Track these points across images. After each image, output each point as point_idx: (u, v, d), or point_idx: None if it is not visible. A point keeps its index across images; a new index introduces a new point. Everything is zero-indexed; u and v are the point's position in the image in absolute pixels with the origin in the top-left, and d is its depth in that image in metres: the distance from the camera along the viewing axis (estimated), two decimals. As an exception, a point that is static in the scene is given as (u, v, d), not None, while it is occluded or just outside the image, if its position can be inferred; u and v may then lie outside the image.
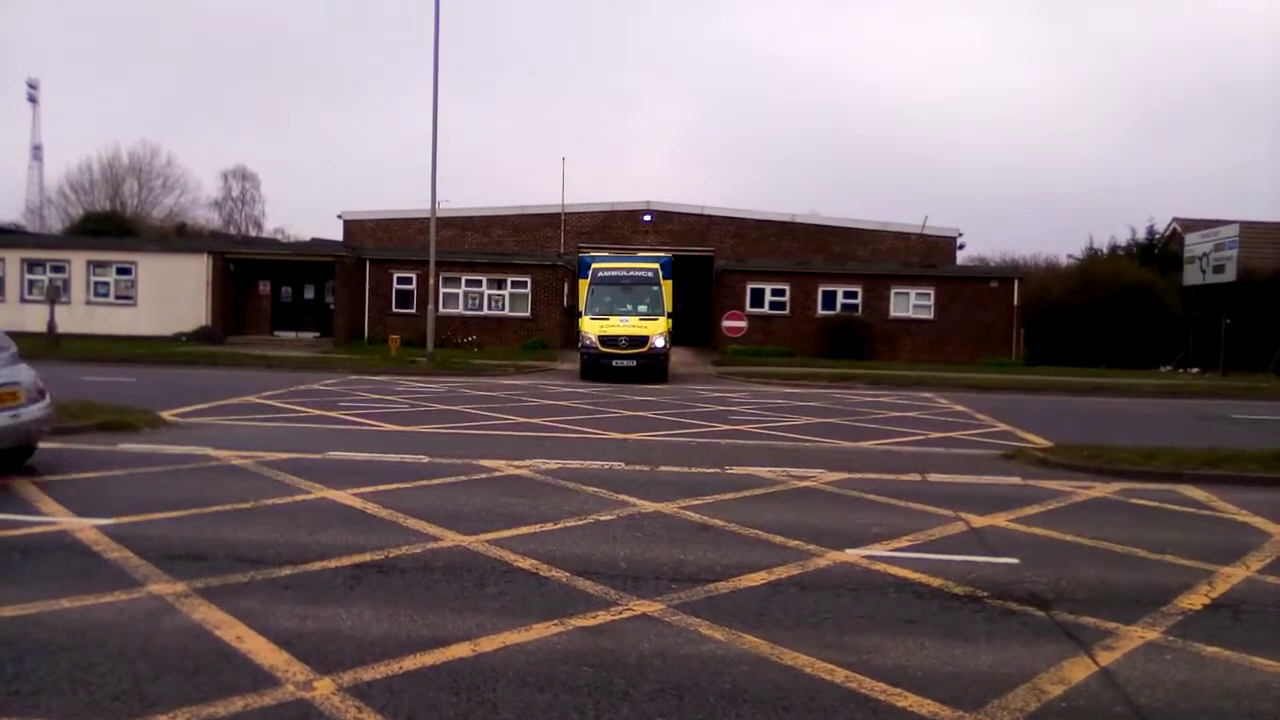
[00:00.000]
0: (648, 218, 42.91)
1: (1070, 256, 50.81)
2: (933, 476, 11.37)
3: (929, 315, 36.83)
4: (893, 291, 36.90)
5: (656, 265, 26.97)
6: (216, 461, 10.93)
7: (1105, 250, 47.58)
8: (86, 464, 10.41)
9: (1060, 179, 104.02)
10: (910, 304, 36.91)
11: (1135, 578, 7.21)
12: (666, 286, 26.36)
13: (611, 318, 25.17)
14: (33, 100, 69.66)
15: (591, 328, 24.95)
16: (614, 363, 24.36)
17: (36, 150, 68.16)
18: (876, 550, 7.72)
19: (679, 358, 36.24)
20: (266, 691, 4.62)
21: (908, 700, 4.78)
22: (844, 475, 11.21)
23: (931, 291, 36.85)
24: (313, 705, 4.48)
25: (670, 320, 25.86)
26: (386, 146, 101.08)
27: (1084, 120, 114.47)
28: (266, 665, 4.95)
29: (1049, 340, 38.00)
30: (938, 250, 43.65)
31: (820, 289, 37.11)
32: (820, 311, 36.86)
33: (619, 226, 43.02)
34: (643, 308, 25.51)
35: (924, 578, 6.98)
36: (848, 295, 36.99)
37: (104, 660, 4.96)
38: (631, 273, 26.80)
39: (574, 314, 45.34)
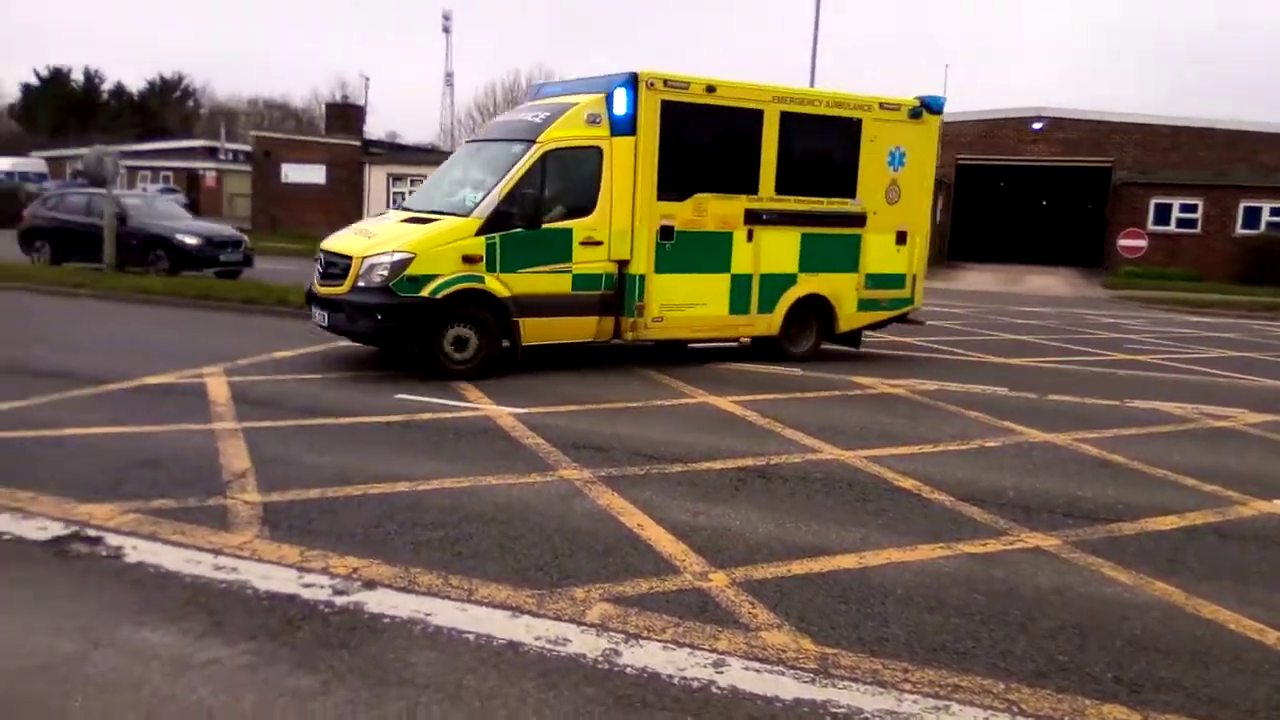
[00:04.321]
0: (1038, 125, 39.62)
1: None
2: (1388, 426, 9.72)
3: (1384, 237, 31.15)
4: (1336, 209, 31.54)
5: (567, 100, 11.04)
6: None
7: None
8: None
9: None
10: (1359, 223, 31.38)
11: None
12: (619, 148, 10.66)
13: (385, 221, 11.24)
14: (446, 31, 76.84)
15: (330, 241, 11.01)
16: (316, 311, 10.53)
17: (449, 77, 75.57)
18: (1316, 504, 6.77)
19: (1055, 280, 33.63)
20: (667, 578, 4.95)
21: (1363, 676, 4.18)
22: (1272, 417, 9.89)
23: (1389, 209, 31.08)
24: (710, 595, 4.74)
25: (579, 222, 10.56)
26: (759, 53, 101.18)
27: None
28: (666, 553, 5.30)
29: None
30: (1400, 160, 36.56)
31: (1241, 205, 32.56)
32: (1239, 231, 32.40)
33: (1004, 136, 40.14)
34: (468, 194, 10.69)
35: (1380, 541, 6.03)
36: (1275, 213, 32.14)
37: (526, 534, 5.55)
38: (515, 122, 11.46)
39: (944, 230, 43.31)
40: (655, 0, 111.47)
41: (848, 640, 4.33)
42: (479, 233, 10.02)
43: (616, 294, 10.89)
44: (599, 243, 10.66)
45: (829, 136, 12.02)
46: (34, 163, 54.71)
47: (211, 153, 59.95)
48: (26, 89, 76.63)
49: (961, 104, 41.92)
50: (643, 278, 10.89)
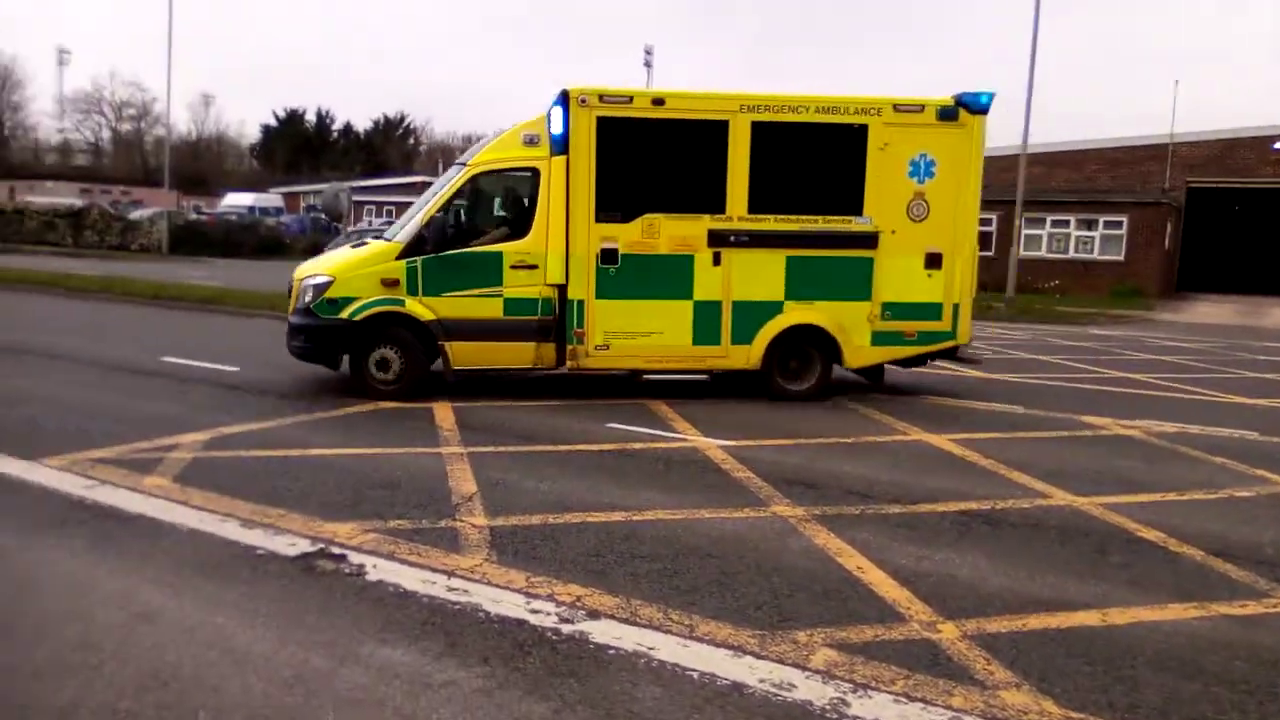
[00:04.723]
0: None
1: None
2: None
3: None
4: None
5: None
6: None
7: None
8: (687, 390, 11.61)
9: None
10: None
11: None
12: (556, 168, 10.32)
13: (344, 247, 12.92)
14: (648, 65, 78.45)
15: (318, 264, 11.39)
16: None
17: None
18: None
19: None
20: (893, 626, 4.77)
21: None
22: None
23: None
24: (940, 648, 4.53)
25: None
26: (968, 71, 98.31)
27: None
28: (889, 599, 5.12)
29: None
30: None
31: None
32: None
33: (1241, 157, 37.11)
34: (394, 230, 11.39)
35: None
36: None
37: (742, 570, 5.49)
38: (475, 146, 12.73)
39: (1173, 258, 40.47)
40: (888, 27, 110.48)
41: (1095, 705, 4.04)
42: (400, 257, 10.20)
43: (558, 320, 10.48)
44: (533, 266, 10.34)
45: (820, 146, 10.65)
46: (272, 198, 59.68)
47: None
48: (266, 129, 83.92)
49: (1192, 123, 39.10)
50: (582, 303, 10.39)
